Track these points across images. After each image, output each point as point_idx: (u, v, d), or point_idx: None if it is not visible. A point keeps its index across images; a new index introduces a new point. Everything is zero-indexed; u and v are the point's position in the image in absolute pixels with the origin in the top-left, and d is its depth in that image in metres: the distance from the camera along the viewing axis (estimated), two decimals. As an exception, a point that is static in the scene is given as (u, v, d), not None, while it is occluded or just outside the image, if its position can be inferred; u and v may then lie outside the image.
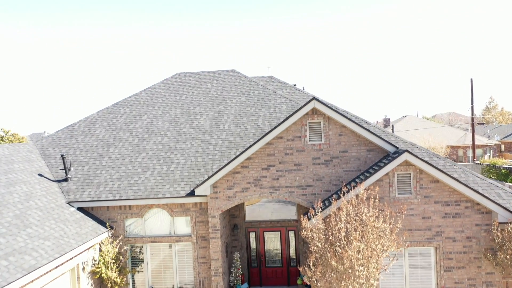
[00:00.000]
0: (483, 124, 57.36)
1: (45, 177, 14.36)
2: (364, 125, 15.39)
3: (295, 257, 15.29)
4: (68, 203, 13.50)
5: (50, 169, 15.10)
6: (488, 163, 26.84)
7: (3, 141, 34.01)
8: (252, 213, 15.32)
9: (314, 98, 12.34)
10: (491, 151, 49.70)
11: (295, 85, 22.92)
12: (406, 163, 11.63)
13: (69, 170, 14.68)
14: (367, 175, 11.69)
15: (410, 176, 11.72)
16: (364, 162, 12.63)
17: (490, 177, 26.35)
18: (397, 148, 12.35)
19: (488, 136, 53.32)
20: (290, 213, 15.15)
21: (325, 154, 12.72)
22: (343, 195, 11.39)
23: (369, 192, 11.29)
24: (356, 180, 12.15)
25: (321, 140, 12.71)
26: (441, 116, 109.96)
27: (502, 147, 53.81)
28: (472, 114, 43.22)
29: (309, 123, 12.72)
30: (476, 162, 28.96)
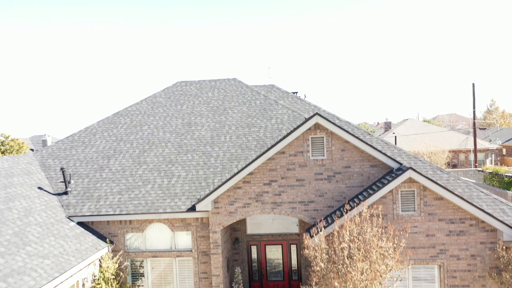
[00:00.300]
0: (485, 129, 57.05)
1: (44, 190, 14.23)
2: (367, 140, 15.27)
3: (297, 270, 15.15)
4: (68, 218, 13.37)
5: (50, 182, 14.96)
6: (491, 171, 26.71)
7: (3, 146, 33.85)
8: (253, 223, 15.18)
9: (317, 114, 12.20)
10: (493, 155, 49.52)
11: (295, 93, 22.82)
12: (410, 180, 11.48)
13: (69, 182, 14.55)
14: (370, 192, 11.55)
15: (414, 193, 11.58)
16: (367, 178, 12.48)
17: (493, 185, 26.20)
18: (401, 164, 12.20)
19: (490, 140, 53.14)
20: (292, 223, 15.00)
21: (327, 170, 12.57)
22: (346, 212, 11.26)
23: (372, 210, 11.14)
24: (359, 196, 12.01)
25: (323, 155, 12.57)
26: (442, 118, 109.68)
27: (504, 151, 53.62)
28: (474, 118, 43.04)
29: (311, 138, 12.58)
30: (479, 169, 28.84)
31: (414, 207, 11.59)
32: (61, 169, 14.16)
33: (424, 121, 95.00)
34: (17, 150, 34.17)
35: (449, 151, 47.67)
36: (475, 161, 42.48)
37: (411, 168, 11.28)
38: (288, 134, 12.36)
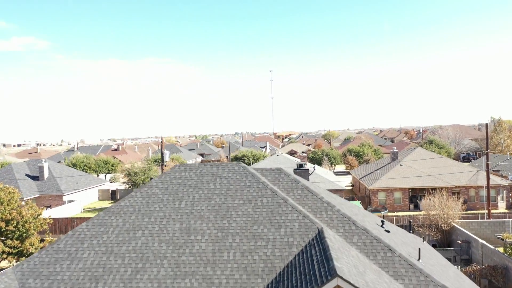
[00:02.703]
0: (498, 171, 55.11)
1: (22, 332, 12.45)
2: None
3: None
4: None
5: (29, 315, 13.18)
6: (512, 242, 24.86)
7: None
8: None
9: (337, 276, 10.40)
10: (504, 191, 47.70)
11: (303, 165, 21.06)
12: None
13: (51, 319, 12.79)
14: None
15: None
16: None
17: (514, 258, 24.37)
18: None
19: (501, 175, 51.32)
20: None
21: (349, 336, 10.76)
22: None
23: None
24: None
25: (344, 318, 10.76)
26: (447, 133, 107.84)
27: (515, 184, 51.69)
28: (488, 160, 41.24)
29: (330, 297, 10.77)
30: (498, 236, 27.00)
31: None
32: (41, 310, 12.37)
33: (429, 139, 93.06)
34: (8, 200, 32.41)
35: (460, 188, 45.93)
36: (488, 204, 40.61)
37: None
38: (303, 297, 10.56)
